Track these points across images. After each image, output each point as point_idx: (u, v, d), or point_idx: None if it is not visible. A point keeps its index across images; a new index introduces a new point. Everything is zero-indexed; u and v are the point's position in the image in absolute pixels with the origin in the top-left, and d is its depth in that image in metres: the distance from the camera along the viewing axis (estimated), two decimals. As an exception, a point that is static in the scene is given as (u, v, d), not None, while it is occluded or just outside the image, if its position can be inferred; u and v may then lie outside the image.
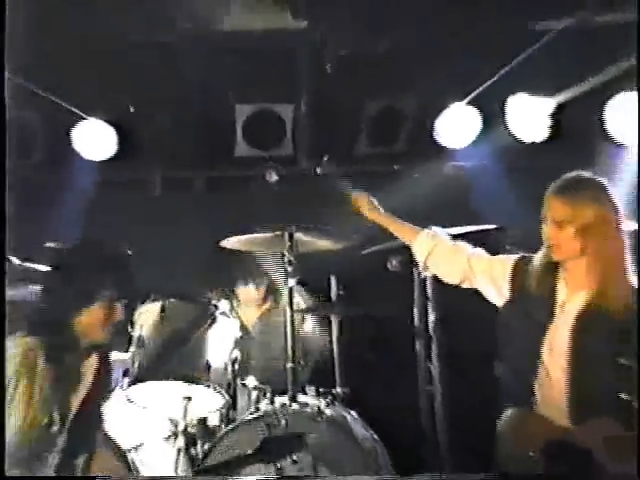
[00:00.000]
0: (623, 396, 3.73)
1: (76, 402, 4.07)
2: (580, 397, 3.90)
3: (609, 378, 3.80)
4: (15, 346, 3.85)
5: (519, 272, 4.19)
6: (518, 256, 4.25)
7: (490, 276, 4.32)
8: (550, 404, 3.96)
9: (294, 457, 4.95)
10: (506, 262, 4.27)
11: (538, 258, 4.12)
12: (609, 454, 3.69)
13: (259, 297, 6.54)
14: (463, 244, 4.51)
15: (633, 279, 3.93)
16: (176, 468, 5.32)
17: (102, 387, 4.27)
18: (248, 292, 6.55)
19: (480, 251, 4.43)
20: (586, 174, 4.09)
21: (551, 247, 4.01)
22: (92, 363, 4.15)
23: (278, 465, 5.05)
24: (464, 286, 4.45)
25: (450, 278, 4.50)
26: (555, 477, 3.85)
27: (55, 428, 3.97)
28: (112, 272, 4.09)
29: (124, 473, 4.54)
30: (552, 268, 4.07)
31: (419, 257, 4.60)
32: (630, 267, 3.95)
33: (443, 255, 4.50)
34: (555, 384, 3.95)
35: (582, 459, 3.76)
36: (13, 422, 3.83)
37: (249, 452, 4.63)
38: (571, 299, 4.00)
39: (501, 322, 4.29)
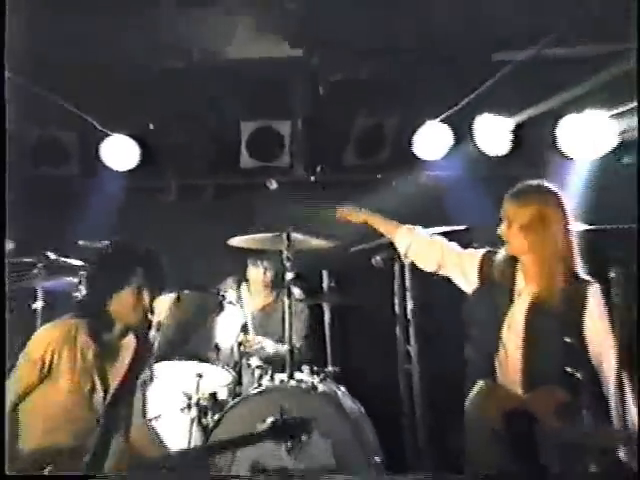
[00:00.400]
0: (568, 369, 3.81)
1: (117, 376, 4.23)
2: (531, 370, 4.03)
3: (556, 354, 3.91)
4: (61, 326, 4.10)
5: (485, 264, 4.28)
6: (485, 250, 4.33)
7: (460, 267, 4.40)
8: (507, 376, 4.08)
9: (303, 438, 4.86)
10: (475, 255, 4.36)
11: (501, 252, 4.22)
12: (554, 418, 3.85)
13: (267, 281, 6.64)
14: (439, 237, 4.61)
15: (582, 275, 4.04)
16: (190, 436, 5.53)
17: (140, 364, 4.40)
18: (258, 273, 6.64)
19: (453, 245, 4.52)
20: (539, 181, 4.22)
21: (506, 243, 4.16)
22: (130, 343, 4.33)
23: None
24: (440, 273, 4.52)
25: (427, 266, 4.58)
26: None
27: (99, 395, 4.13)
28: (141, 266, 4.19)
29: (158, 442, 4.49)
30: (512, 261, 4.18)
31: (400, 248, 4.70)
32: (578, 264, 4.06)
33: (421, 246, 4.59)
34: (511, 359, 4.07)
35: (530, 421, 3.91)
36: (61, 386, 4.04)
37: (261, 430, 4.64)
38: (526, 288, 4.12)
39: (469, 307, 4.42)
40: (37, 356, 4.01)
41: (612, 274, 3.76)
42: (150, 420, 5.30)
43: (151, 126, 6.80)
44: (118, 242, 4.38)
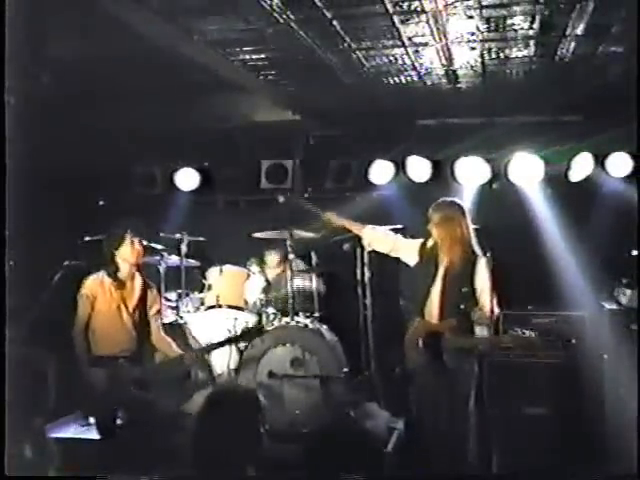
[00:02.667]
0: (462, 307, 4.28)
1: (132, 301, 4.61)
2: (443, 308, 4.38)
3: (457, 298, 4.31)
4: (95, 276, 4.58)
5: (422, 248, 4.56)
6: (422, 240, 4.58)
7: (407, 250, 4.63)
8: (430, 313, 4.43)
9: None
10: (416, 243, 4.62)
11: (430, 241, 4.52)
12: (450, 334, 4.28)
13: (278, 260, 6.65)
14: (390, 232, 4.83)
15: (476, 249, 4.35)
16: (230, 354, 5.82)
17: (149, 294, 4.71)
18: (272, 256, 6.68)
19: (399, 236, 4.76)
20: (450, 198, 4.62)
21: (432, 235, 4.48)
22: (138, 281, 4.66)
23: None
24: (392, 254, 4.70)
25: (383, 250, 4.79)
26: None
27: (124, 312, 4.53)
28: (130, 227, 4.58)
29: (169, 348, 4.68)
30: (436, 246, 4.48)
31: (365, 241, 4.89)
32: (475, 244, 4.37)
33: (379, 238, 4.80)
34: (434, 303, 4.41)
35: (438, 338, 4.33)
36: (101, 310, 4.49)
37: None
38: (443, 261, 4.43)
39: (409, 275, 4.71)
40: (85, 294, 4.49)
41: (488, 253, 4.30)
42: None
43: (206, 163, 6.78)
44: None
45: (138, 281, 4.66)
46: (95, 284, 4.53)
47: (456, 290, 4.33)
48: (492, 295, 4.20)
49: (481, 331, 4.28)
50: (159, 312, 4.81)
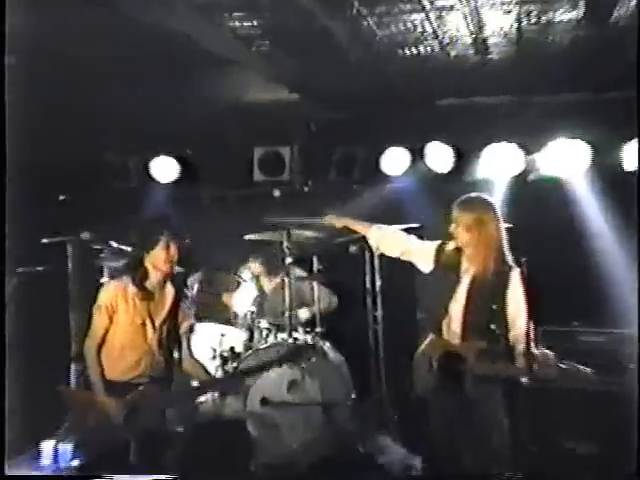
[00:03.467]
0: (492, 327, 3.97)
1: (160, 315, 4.33)
2: (467, 327, 4.11)
3: (486, 317, 4.02)
4: (117, 283, 4.34)
5: (440, 252, 4.30)
6: (439, 242, 4.34)
7: (421, 254, 4.41)
8: (450, 332, 4.17)
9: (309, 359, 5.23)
10: (432, 245, 4.36)
11: (450, 244, 4.25)
12: (477, 359, 3.99)
13: (260, 270, 6.57)
14: (401, 232, 4.63)
15: (509, 259, 4.09)
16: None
17: (179, 307, 4.45)
18: (253, 266, 6.60)
19: (413, 237, 4.53)
20: (479, 194, 4.30)
21: (455, 238, 4.20)
22: (169, 292, 4.38)
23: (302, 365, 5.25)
24: (402, 258, 4.52)
25: (392, 254, 4.59)
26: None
27: (149, 327, 4.26)
28: (166, 228, 4.30)
29: (204, 374, 4.57)
30: (458, 251, 4.22)
31: (373, 243, 4.70)
32: (507, 252, 4.11)
33: (387, 240, 4.60)
34: (454, 320, 4.15)
35: (458, 362, 4.05)
36: (122, 323, 4.23)
37: (275, 358, 4.90)
38: (468, 270, 4.15)
39: (423, 284, 4.60)
40: (104, 305, 4.20)
41: (523, 260, 3.94)
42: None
43: (189, 151, 6.75)
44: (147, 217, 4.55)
45: (169, 291, 4.39)
46: (116, 293, 4.25)
47: (485, 307, 4.06)
48: (528, 315, 3.95)
49: (519, 359, 3.99)
50: (192, 329, 4.59)
